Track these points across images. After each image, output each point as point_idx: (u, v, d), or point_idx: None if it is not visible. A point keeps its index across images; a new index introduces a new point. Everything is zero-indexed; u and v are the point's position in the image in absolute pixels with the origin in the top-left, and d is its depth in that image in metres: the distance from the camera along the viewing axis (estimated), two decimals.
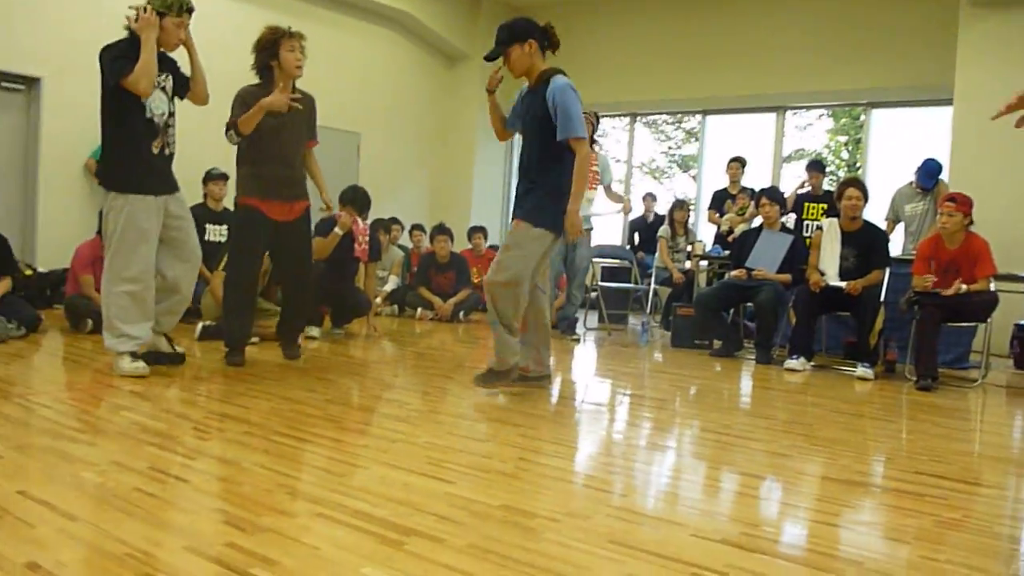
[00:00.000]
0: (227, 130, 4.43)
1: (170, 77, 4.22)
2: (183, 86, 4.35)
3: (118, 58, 3.93)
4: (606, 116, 11.20)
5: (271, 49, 4.45)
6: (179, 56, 4.27)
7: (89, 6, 7.59)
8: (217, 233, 6.83)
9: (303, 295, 4.93)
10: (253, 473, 2.51)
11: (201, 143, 6.47)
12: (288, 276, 4.90)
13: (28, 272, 6.62)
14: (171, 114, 4.22)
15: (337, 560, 1.87)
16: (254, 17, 8.88)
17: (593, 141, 6.69)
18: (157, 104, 4.09)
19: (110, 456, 2.60)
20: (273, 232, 4.60)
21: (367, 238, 6.32)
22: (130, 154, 4.04)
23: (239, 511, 2.15)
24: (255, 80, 4.57)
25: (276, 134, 4.49)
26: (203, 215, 6.83)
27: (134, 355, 4.10)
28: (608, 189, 6.80)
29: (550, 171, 4.05)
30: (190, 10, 4.16)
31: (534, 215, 4.04)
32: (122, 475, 2.41)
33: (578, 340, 6.81)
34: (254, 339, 5.31)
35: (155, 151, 4.10)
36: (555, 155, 4.03)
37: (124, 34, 4.06)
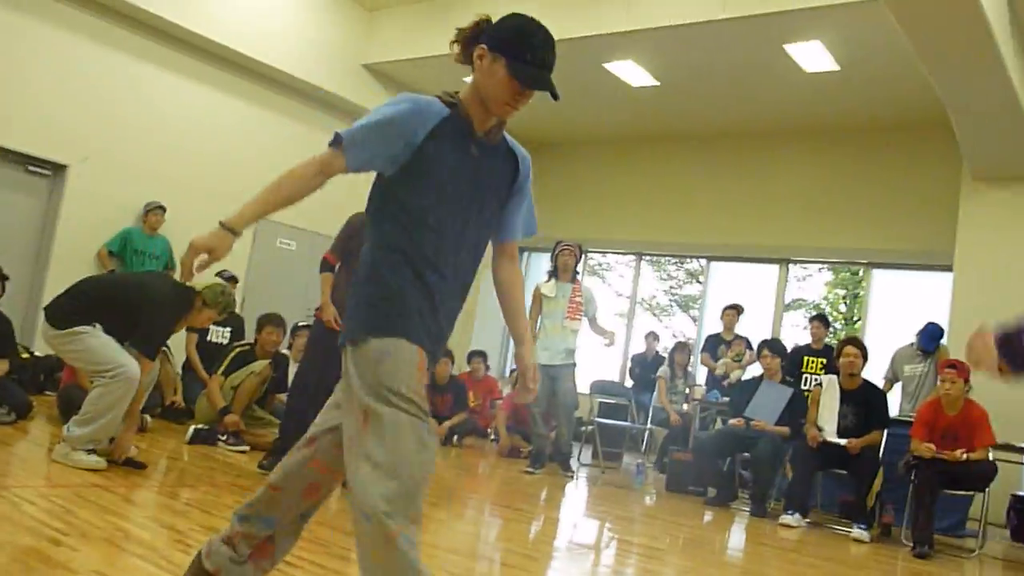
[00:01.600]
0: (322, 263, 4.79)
1: None
2: None
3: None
4: (612, 252, 11.42)
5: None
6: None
7: (119, 103, 7.86)
8: (220, 335, 6.84)
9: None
10: None
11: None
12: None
13: (25, 355, 6.59)
14: None
15: None
16: (277, 124, 9.19)
17: (576, 273, 6.77)
18: None
19: (92, 564, 2.53)
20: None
21: None
22: None
23: None
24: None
25: None
26: None
27: (91, 451, 4.14)
28: (592, 321, 6.77)
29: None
30: (230, 312, 4.68)
31: None
32: None
33: (572, 476, 6.67)
34: (244, 447, 5.25)
35: None
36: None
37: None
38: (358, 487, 1.84)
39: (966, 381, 5.58)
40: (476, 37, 2.10)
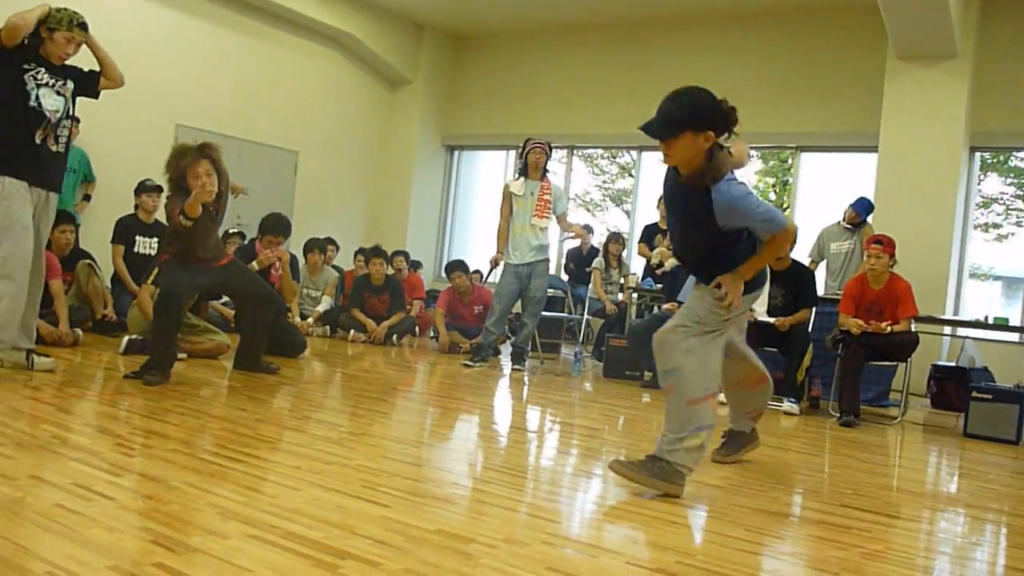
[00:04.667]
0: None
1: (69, 81, 4.24)
2: (93, 82, 4.37)
3: None
4: None
5: (180, 178, 4.52)
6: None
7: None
8: (147, 246, 6.65)
9: (261, 321, 5.11)
10: (181, 491, 2.44)
11: (138, 153, 6.31)
12: (245, 305, 5.16)
13: None
14: (68, 116, 4.22)
15: None
16: (199, 30, 8.78)
17: (546, 171, 6.75)
18: (50, 100, 4.10)
19: (29, 470, 2.50)
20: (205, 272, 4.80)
21: (282, 263, 6.35)
22: (10, 137, 4.00)
23: (167, 530, 2.08)
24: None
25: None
26: (134, 226, 6.67)
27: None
28: (561, 218, 6.81)
29: None
30: (82, 25, 4.15)
31: None
32: (42, 490, 2.32)
33: (521, 372, 6.65)
34: (181, 355, 5.19)
35: (38, 140, 4.07)
36: None
37: None
38: None
39: (891, 256, 5.76)
40: None
